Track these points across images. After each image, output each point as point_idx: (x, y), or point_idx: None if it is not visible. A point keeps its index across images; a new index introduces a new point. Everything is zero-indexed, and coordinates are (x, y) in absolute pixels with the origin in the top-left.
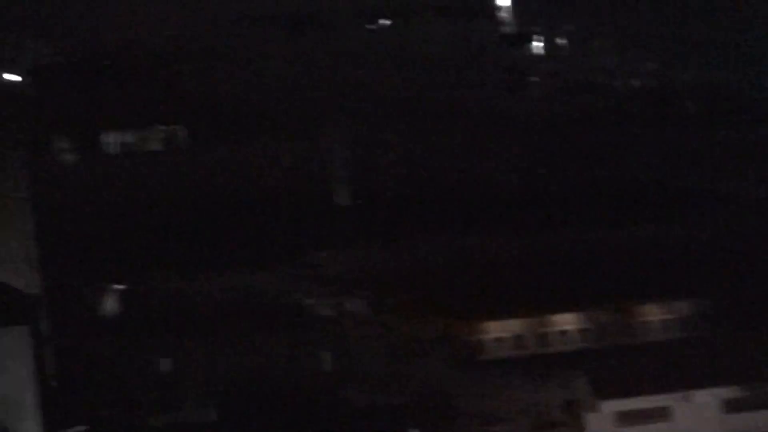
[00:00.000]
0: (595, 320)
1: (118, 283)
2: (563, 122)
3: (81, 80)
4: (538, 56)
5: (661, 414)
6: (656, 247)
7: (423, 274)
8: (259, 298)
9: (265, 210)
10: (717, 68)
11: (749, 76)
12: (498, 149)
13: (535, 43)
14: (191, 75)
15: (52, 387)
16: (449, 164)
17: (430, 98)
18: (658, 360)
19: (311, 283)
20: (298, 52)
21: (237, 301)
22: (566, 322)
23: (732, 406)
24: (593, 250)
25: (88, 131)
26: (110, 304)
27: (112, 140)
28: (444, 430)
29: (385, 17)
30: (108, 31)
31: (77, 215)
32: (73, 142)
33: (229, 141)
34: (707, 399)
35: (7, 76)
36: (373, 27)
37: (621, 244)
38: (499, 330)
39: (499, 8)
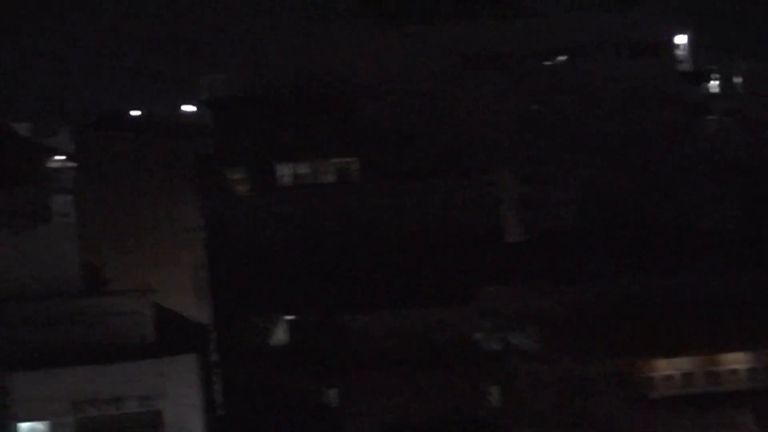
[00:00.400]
0: (764, 359)
1: (287, 313)
2: (741, 160)
3: (256, 112)
4: (715, 94)
5: None
6: None
7: (592, 311)
8: (428, 333)
9: (436, 245)
10: None
11: None
12: (672, 187)
13: (712, 81)
14: (366, 108)
15: (219, 415)
16: (621, 201)
17: (606, 135)
18: None
19: (480, 318)
20: (473, 89)
21: (405, 335)
22: (736, 360)
23: None
24: (763, 289)
25: (262, 162)
26: (278, 335)
27: (285, 172)
28: None
29: (563, 54)
30: (283, 64)
31: (248, 246)
32: (247, 173)
33: (402, 176)
34: None
35: (183, 107)
36: (550, 63)
37: None
38: (668, 368)
39: (677, 46)
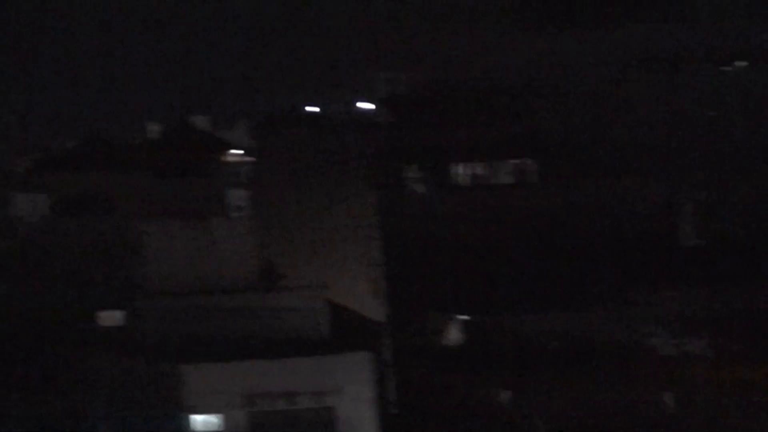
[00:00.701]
0: None
1: (461, 313)
2: None
3: (434, 111)
4: None
5: None
6: None
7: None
8: (601, 336)
9: (609, 247)
10: None
11: None
12: None
13: None
14: (544, 110)
15: (393, 414)
16: None
17: None
18: None
19: (656, 322)
20: (650, 92)
21: (578, 338)
22: None
23: None
24: None
25: (438, 162)
26: (452, 334)
27: (462, 172)
28: None
29: (741, 59)
30: (462, 64)
31: (424, 245)
32: (423, 172)
33: (578, 178)
34: None
35: (359, 104)
36: (728, 69)
37: None
38: None
39: None
